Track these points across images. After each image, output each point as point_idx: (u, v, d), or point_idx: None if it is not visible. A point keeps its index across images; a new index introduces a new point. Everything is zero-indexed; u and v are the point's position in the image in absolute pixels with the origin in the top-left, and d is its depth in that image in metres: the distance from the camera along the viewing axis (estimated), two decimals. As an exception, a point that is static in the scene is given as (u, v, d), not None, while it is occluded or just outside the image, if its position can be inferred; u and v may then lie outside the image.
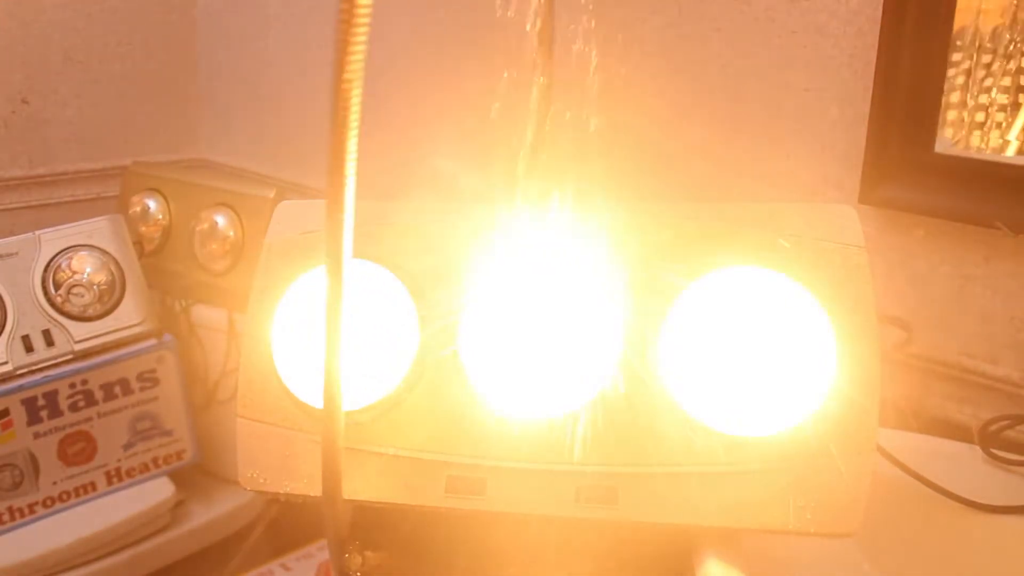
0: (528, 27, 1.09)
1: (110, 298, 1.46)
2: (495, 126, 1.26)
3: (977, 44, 0.84)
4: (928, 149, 0.86)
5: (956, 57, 0.85)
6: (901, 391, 0.90)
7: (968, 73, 0.85)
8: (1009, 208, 0.81)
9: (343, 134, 0.39)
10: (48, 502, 1.40)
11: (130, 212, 1.60)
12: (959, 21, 0.83)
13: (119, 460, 1.47)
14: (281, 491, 0.58)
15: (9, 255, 1.36)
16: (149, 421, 1.50)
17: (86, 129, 1.69)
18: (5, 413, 1.33)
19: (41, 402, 1.37)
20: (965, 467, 0.77)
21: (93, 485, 1.45)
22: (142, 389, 1.49)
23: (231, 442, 0.59)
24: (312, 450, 0.58)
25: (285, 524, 1.58)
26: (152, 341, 1.49)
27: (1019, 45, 0.83)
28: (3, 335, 1.33)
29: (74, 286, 1.41)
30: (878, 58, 0.86)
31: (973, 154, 0.85)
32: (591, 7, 1.11)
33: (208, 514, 1.54)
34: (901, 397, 0.90)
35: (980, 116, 0.86)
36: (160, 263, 1.60)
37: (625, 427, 0.54)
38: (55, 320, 1.40)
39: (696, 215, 0.57)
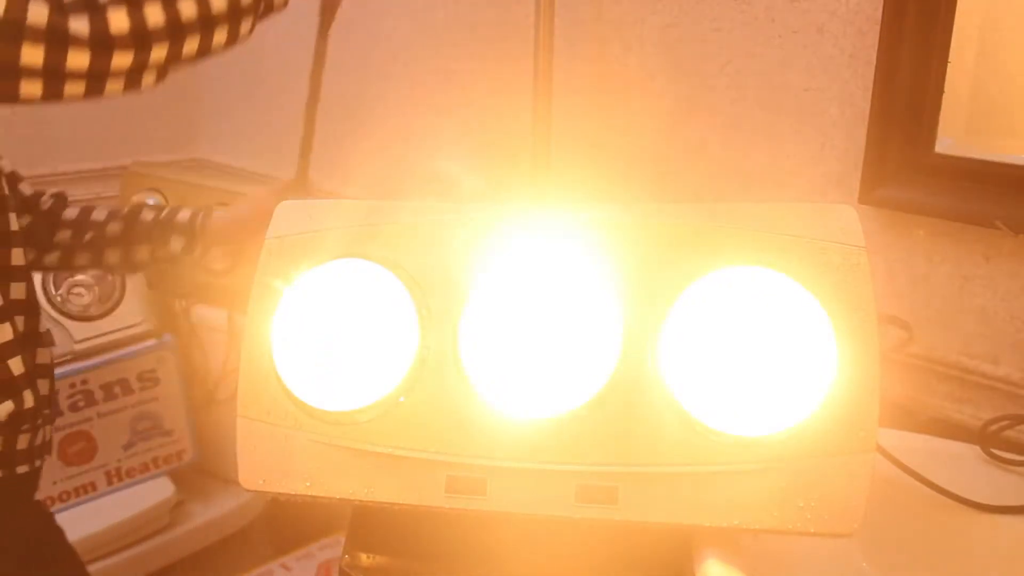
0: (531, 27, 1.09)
1: (110, 298, 1.46)
2: (496, 126, 1.26)
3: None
4: (928, 149, 0.86)
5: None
6: (901, 391, 0.90)
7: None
8: (1009, 208, 0.81)
9: None
10: (48, 502, 1.40)
11: (130, 212, 1.60)
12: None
13: (119, 460, 1.48)
14: (281, 491, 0.58)
15: (9, 255, 1.36)
16: (149, 421, 1.50)
17: (86, 129, 1.69)
18: (5, 413, 1.33)
19: (41, 402, 1.37)
20: (965, 467, 0.77)
21: (93, 485, 1.45)
22: (142, 389, 1.49)
23: (231, 442, 0.59)
24: (312, 450, 0.58)
25: (285, 524, 1.58)
26: (152, 341, 1.49)
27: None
28: (3, 335, 1.33)
29: (74, 286, 1.41)
30: (878, 58, 0.86)
31: (973, 154, 0.85)
32: (591, 7, 1.11)
33: (208, 514, 1.54)
34: (901, 397, 0.90)
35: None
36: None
37: (625, 427, 0.54)
38: (55, 320, 1.40)
39: (696, 215, 0.57)
